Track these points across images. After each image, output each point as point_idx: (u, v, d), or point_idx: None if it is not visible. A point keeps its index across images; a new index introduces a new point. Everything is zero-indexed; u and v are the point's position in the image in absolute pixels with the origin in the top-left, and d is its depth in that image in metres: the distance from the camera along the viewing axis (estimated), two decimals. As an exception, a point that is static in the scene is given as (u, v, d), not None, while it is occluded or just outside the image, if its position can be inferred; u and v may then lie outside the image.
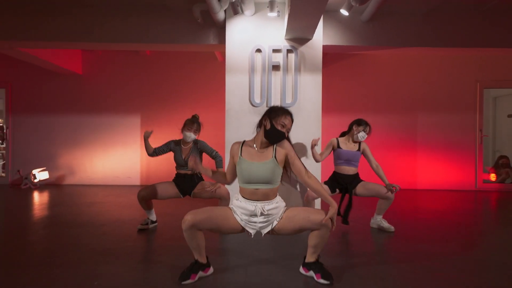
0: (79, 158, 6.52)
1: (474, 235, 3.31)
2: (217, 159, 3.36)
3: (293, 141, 4.37)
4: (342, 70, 6.36)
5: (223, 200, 3.32)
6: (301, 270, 2.24)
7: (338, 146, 3.51)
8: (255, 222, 2.07)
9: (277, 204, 2.11)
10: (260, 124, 2.14)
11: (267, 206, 2.06)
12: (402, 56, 6.29)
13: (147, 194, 3.22)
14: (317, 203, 3.93)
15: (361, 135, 3.44)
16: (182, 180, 3.33)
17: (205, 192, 3.27)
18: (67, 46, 4.96)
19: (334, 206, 1.97)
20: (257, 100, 4.30)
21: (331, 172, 3.59)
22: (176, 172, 3.41)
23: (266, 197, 2.05)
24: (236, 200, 2.12)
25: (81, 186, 6.31)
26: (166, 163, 6.34)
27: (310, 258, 2.17)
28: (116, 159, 6.52)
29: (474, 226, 3.66)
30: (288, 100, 4.28)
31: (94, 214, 3.99)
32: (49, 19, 4.61)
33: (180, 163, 3.34)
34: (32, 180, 5.95)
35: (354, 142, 3.53)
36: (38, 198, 5.10)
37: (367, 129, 3.47)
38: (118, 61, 6.51)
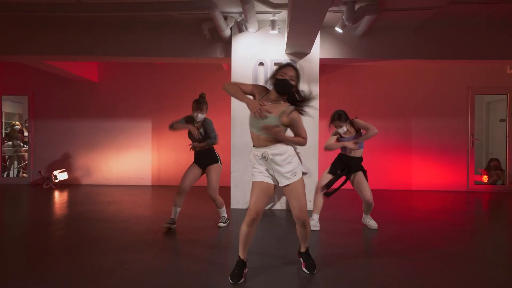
0: (95, 160, 7.01)
1: (460, 232, 3.69)
2: (210, 139, 3.57)
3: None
4: (341, 77, 6.75)
5: (217, 202, 3.71)
6: (297, 256, 2.66)
7: (341, 136, 3.68)
8: (268, 171, 2.30)
9: (281, 150, 2.24)
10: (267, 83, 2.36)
11: (271, 150, 2.25)
12: (397, 65, 6.66)
13: (182, 186, 3.55)
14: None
15: (341, 130, 3.54)
16: (198, 154, 3.64)
17: (215, 173, 3.60)
18: (86, 59, 5.44)
19: (250, 103, 2.22)
20: (260, 109, 4.72)
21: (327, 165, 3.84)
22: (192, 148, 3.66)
23: (268, 142, 2.25)
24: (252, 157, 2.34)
25: (97, 186, 6.80)
26: (175, 165, 6.80)
27: (301, 249, 2.59)
28: (129, 161, 7.00)
29: (461, 224, 4.04)
30: (288, 109, 4.71)
31: (114, 212, 4.45)
32: (72, 36, 5.09)
33: (192, 139, 3.62)
34: (53, 180, 6.45)
35: (351, 128, 3.64)
36: (61, 197, 5.59)
37: (340, 119, 3.50)
38: (131, 69, 6.99)
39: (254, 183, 2.35)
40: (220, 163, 3.70)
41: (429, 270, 2.57)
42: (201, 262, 2.69)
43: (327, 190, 3.53)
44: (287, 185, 2.31)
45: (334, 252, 2.97)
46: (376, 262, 2.75)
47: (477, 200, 5.76)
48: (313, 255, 2.64)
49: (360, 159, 3.70)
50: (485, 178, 6.82)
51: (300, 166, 2.38)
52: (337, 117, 3.51)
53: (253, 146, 2.36)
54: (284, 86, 2.25)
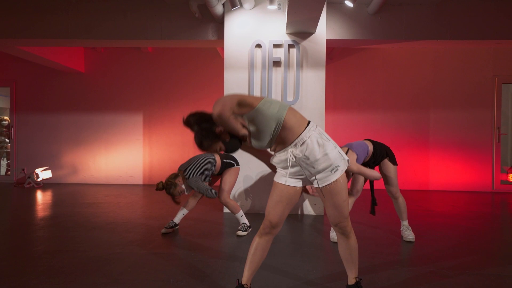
0: (82, 157, 6.48)
1: (487, 243, 3.05)
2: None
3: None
4: (349, 65, 6.09)
5: (229, 207, 3.22)
6: None
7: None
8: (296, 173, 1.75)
9: (304, 146, 1.67)
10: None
11: (294, 150, 1.68)
12: (413, 50, 5.97)
13: None
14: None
15: None
16: None
17: (229, 175, 3.25)
18: (66, 43, 4.88)
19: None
20: (257, 98, 4.11)
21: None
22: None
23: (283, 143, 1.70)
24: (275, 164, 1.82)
25: (84, 185, 6.28)
26: (169, 162, 6.24)
27: (349, 280, 1.89)
28: (119, 158, 6.45)
29: (489, 233, 3.39)
30: (290, 98, 4.08)
31: (89, 216, 3.89)
32: (47, 17, 4.53)
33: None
34: (35, 179, 5.94)
35: None
36: (38, 198, 5.06)
37: None
38: (121, 59, 6.42)
39: (274, 184, 1.82)
40: (237, 164, 3.30)
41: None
42: (172, 288, 2.10)
43: (373, 209, 3.05)
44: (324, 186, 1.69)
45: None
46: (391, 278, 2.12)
47: (504, 202, 5.07)
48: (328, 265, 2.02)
49: (379, 146, 3.02)
50: (511, 177, 6.12)
51: (341, 155, 1.72)
52: None
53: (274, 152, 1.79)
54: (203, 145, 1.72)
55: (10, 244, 2.93)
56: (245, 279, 1.82)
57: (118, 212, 4.10)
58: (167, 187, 2.98)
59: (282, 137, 1.68)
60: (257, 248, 1.81)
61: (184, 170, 3.08)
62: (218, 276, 2.27)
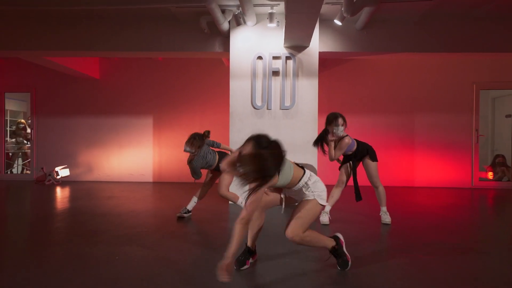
0: (97, 157, 7.04)
1: (465, 227, 3.60)
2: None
3: (292, 141, 4.78)
4: (343, 72, 6.68)
5: (229, 198, 3.80)
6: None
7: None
8: None
9: (295, 188, 2.25)
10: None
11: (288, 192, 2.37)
12: (400, 59, 6.57)
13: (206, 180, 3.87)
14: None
15: (340, 130, 3.41)
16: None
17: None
18: (86, 54, 5.45)
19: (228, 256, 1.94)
20: (258, 103, 4.69)
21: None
22: None
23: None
24: None
25: (98, 182, 6.82)
26: (177, 162, 6.80)
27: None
28: (131, 157, 7.01)
29: (460, 220, 3.95)
30: (287, 103, 4.66)
31: (112, 206, 4.45)
32: (70, 32, 5.11)
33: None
34: (55, 176, 6.49)
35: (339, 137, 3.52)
36: (61, 193, 5.61)
37: (338, 121, 3.41)
38: (132, 66, 7.00)
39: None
40: None
41: (433, 265, 2.51)
42: (193, 255, 2.65)
43: (358, 196, 3.63)
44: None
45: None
46: (376, 257, 2.69)
47: (481, 197, 5.64)
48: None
49: (362, 145, 3.63)
50: (490, 175, 6.69)
51: (321, 195, 2.26)
52: (332, 118, 3.41)
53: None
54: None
55: (56, 225, 3.48)
56: (249, 243, 2.44)
57: (136, 204, 4.65)
58: (198, 134, 3.60)
59: (291, 182, 2.23)
60: (254, 219, 2.39)
61: (201, 151, 3.64)
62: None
